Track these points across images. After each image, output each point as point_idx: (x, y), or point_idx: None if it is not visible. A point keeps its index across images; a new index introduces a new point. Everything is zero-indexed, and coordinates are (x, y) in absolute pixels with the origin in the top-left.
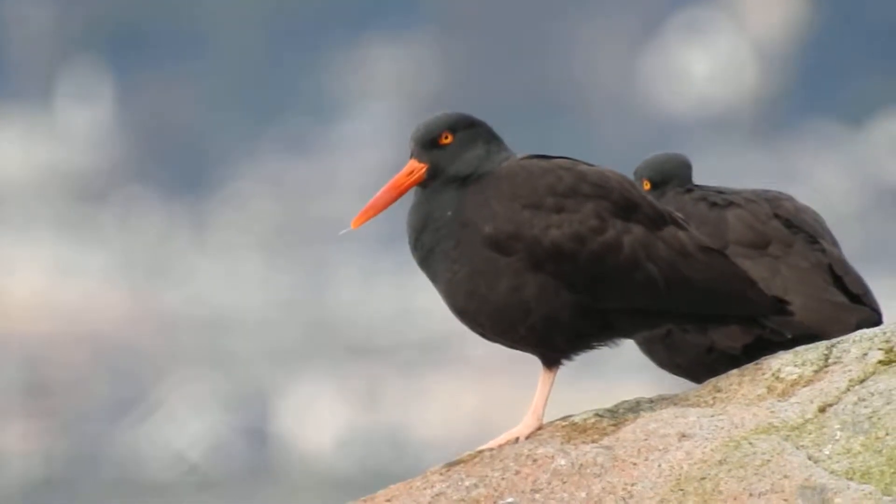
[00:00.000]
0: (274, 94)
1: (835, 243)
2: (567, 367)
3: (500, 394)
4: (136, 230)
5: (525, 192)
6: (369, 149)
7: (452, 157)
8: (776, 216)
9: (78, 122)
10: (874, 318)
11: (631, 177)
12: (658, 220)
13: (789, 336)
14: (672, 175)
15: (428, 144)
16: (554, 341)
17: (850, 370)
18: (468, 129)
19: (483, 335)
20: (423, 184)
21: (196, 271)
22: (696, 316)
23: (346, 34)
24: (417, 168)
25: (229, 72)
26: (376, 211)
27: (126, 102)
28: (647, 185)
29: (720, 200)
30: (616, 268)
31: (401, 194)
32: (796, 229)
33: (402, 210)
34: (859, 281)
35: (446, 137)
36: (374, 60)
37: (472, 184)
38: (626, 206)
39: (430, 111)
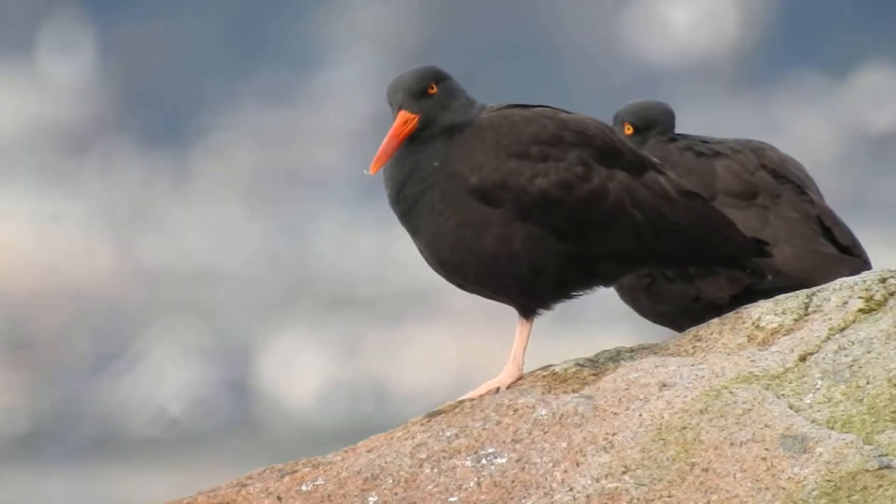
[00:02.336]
0: (255, 44)
1: (819, 194)
2: (547, 317)
3: (481, 345)
4: (117, 182)
5: (510, 141)
6: (351, 98)
7: (441, 107)
8: (762, 166)
9: (59, 74)
10: (865, 269)
11: (610, 123)
12: (639, 166)
13: (769, 278)
14: (655, 122)
15: (418, 94)
16: (539, 290)
17: (830, 319)
18: (446, 80)
19: (462, 286)
20: (413, 135)
21: (178, 223)
22: (679, 259)
23: None
24: (410, 118)
25: (211, 22)
26: (387, 157)
27: (108, 54)
28: (628, 130)
29: (707, 150)
30: (602, 214)
31: (400, 143)
32: (783, 179)
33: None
34: (848, 232)
35: (432, 88)
36: (354, 8)
37: (456, 135)
38: (608, 152)
39: (409, 61)
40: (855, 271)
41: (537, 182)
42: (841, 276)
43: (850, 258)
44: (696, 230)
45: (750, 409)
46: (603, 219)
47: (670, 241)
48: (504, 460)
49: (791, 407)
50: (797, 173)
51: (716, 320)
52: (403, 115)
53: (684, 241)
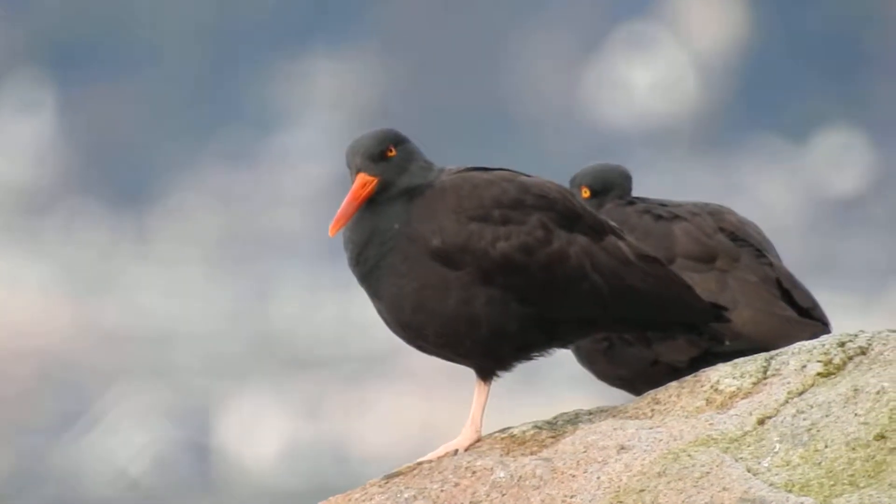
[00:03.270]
0: (216, 106)
1: (777, 257)
2: (506, 379)
3: (442, 407)
4: (78, 243)
5: (471, 204)
6: (312, 161)
7: (400, 170)
8: (721, 229)
9: (20, 135)
10: (825, 332)
11: (567, 186)
12: (599, 230)
13: (727, 343)
14: (612, 185)
15: (376, 157)
16: (500, 352)
17: (788, 382)
18: (404, 143)
19: (422, 349)
20: (372, 197)
21: (140, 284)
22: (638, 323)
23: (288, 46)
24: (369, 181)
25: (172, 83)
26: (346, 219)
27: (68, 115)
28: (585, 193)
29: (665, 213)
30: (564, 278)
31: (360, 206)
32: (742, 242)
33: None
34: (807, 295)
35: (391, 150)
36: (316, 73)
37: (417, 197)
38: (569, 216)
39: (369, 124)
40: (814, 334)
41: (498, 245)
42: (800, 339)
43: (810, 321)
44: (655, 295)
45: (708, 472)
46: (564, 282)
47: (629, 306)
48: None
49: (749, 470)
50: (756, 236)
51: (674, 383)
52: (362, 177)
53: (643, 305)
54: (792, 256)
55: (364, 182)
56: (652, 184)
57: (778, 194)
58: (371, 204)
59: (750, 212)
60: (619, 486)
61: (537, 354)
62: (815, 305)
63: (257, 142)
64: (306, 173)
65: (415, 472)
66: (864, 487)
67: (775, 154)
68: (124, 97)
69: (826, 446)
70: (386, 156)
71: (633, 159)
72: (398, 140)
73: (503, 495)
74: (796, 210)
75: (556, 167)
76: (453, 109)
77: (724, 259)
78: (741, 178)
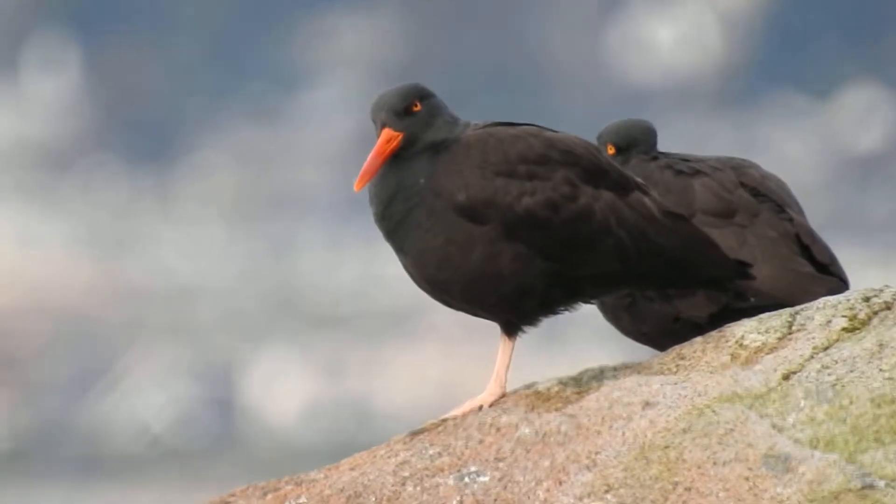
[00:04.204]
0: (239, 63)
1: (801, 212)
2: (531, 335)
3: (464, 363)
4: (99, 200)
5: (496, 159)
6: (333, 118)
7: (425, 125)
8: (742, 185)
9: (43, 91)
10: (842, 288)
11: (595, 143)
12: (625, 186)
13: (752, 300)
14: (637, 140)
15: (402, 112)
16: (524, 308)
17: (813, 337)
18: (430, 97)
19: (448, 304)
20: (397, 152)
21: (160, 241)
22: (663, 280)
23: (310, 3)
24: (394, 136)
25: (195, 41)
26: (371, 175)
27: (91, 72)
28: (611, 150)
29: (686, 168)
30: (588, 234)
31: (384, 161)
32: (763, 198)
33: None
34: (826, 250)
35: (416, 106)
36: (337, 30)
37: (442, 152)
38: (594, 172)
39: (392, 81)
40: (832, 290)
41: (524, 201)
42: (818, 296)
43: (828, 277)
44: (680, 251)
45: (733, 429)
46: (588, 239)
47: (654, 262)
48: (487, 479)
49: (774, 426)
50: (777, 191)
51: (699, 339)
52: (387, 132)
53: (668, 262)
54: (815, 212)
55: (389, 137)
56: (676, 139)
57: (801, 150)
58: (396, 159)
59: (772, 168)
60: (643, 443)
61: (562, 310)
62: (834, 261)
63: (278, 99)
64: (328, 130)
65: (439, 428)
66: (889, 444)
67: (798, 110)
68: (146, 56)
69: (851, 402)
70: (411, 111)
71: (657, 115)
72: (423, 95)
73: (528, 451)
74: (819, 166)
75: (581, 123)
76: (478, 66)
77: (743, 214)
78: (764, 134)
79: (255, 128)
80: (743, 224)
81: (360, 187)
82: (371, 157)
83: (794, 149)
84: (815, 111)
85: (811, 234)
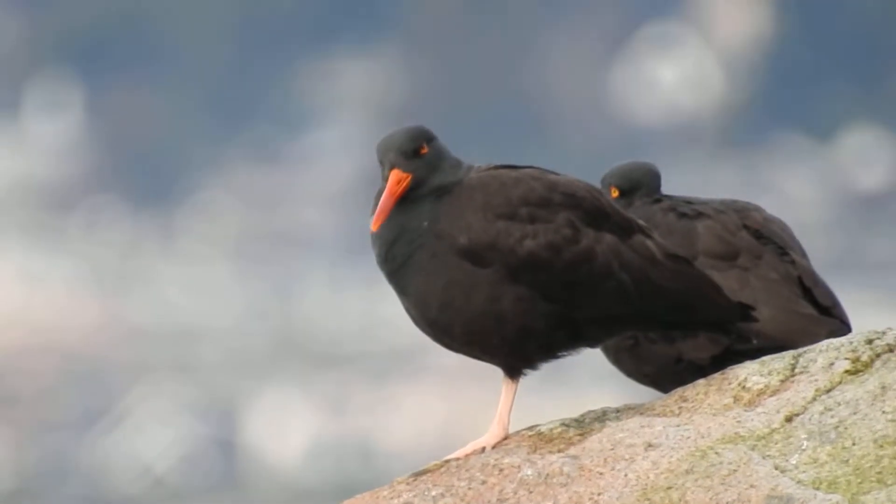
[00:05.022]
0: (242, 104)
1: (804, 254)
2: (533, 377)
3: (467, 404)
4: (104, 240)
5: (499, 202)
6: (336, 159)
7: (432, 168)
8: (745, 227)
9: (46, 133)
10: (844, 331)
11: (598, 185)
12: (627, 229)
13: (754, 342)
14: (640, 183)
15: (410, 154)
16: (526, 351)
17: (816, 380)
18: (435, 140)
19: (449, 346)
20: (403, 195)
21: (164, 281)
22: (665, 322)
23: (314, 45)
24: (403, 177)
25: (198, 82)
26: (385, 215)
27: (95, 113)
28: (614, 193)
29: (689, 211)
30: (590, 276)
31: (396, 201)
32: (765, 240)
33: (367, 223)
34: (828, 293)
35: (423, 148)
36: (341, 71)
37: (445, 195)
38: (596, 214)
39: (394, 123)
40: (834, 332)
41: (526, 244)
42: (820, 338)
43: (829, 319)
44: (683, 294)
45: (735, 470)
46: (591, 281)
47: (656, 305)
48: None
49: (777, 468)
50: (780, 234)
51: (702, 381)
52: (396, 173)
53: (670, 304)
54: (818, 253)
55: (399, 178)
56: (678, 180)
57: (804, 191)
58: (400, 201)
59: (775, 209)
60: (646, 484)
61: (564, 353)
62: (836, 304)
63: (281, 140)
64: (330, 171)
65: (442, 469)
66: (892, 485)
67: (801, 151)
68: (150, 96)
69: (854, 444)
70: (419, 153)
71: (659, 156)
72: (429, 137)
73: (530, 493)
74: (822, 207)
75: (584, 164)
76: (480, 108)
77: (746, 257)
78: (767, 175)
79: (258, 168)
80: (745, 266)
81: (377, 227)
82: (384, 198)
83: (796, 189)
84: (817, 152)
85: (813, 276)
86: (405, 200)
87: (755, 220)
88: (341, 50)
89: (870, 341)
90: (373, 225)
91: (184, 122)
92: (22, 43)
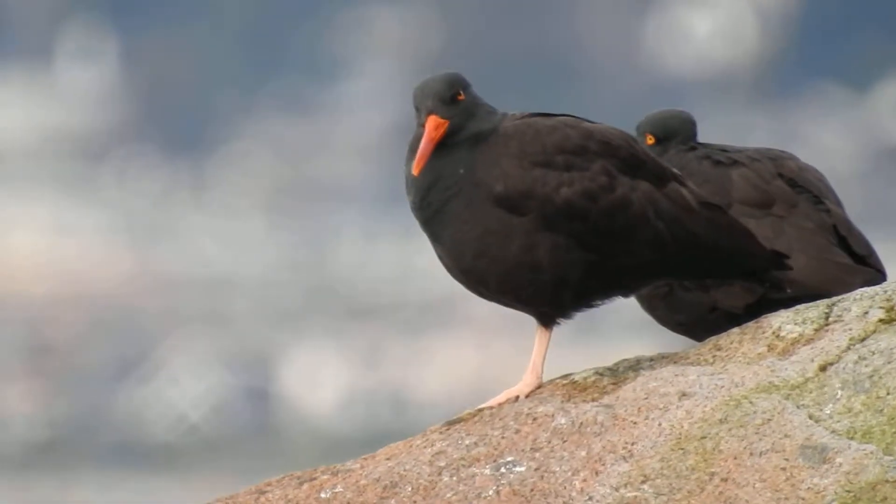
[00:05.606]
0: (275, 53)
1: (839, 203)
2: (567, 326)
3: (500, 353)
4: (136, 190)
5: (534, 150)
6: (368, 108)
7: (469, 114)
8: (780, 175)
9: (79, 82)
10: (879, 279)
11: (633, 133)
12: (662, 177)
13: (789, 291)
14: (676, 131)
15: (447, 100)
16: (561, 300)
17: (850, 329)
18: (470, 87)
19: (483, 295)
20: (441, 141)
21: (196, 231)
22: (699, 270)
23: None
24: (441, 123)
25: (230, 32)
26: (426, 159)
27: (127, 62)
28: (650, 140)
29: (724, 159)
30: (626, 224)
31: (434, 147)
32: (800, 189)
33: (401, 172)
34: (864, 241)
35: (460, 95)
36: (373, 20)
37: (481, 142)
38: (632, 162)
39: (426, 72)
40: (868, 281)
41: (562, 191)
42: (854, 286)
43: (865, 268)
44: (718, 242)
45: (769, 419)
46: (626, 229)
47: (692, 253)
48: (523, 469)
49: (811, 417)
50: (815, 183)
51: (736, 329)
52: (434, 119)
53: (705, 252)
54: (852, 203)
55: (437, 124)
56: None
57: (838, 142)
58: (436, 149)
59: (808, 159)
60: (680, 433)
61: (598, 302)
62: (872, 253)
63: (314, 90)
64: (363, 121)
65: (475, 418)
66: None
67: (835, 102)
68: (182, 46)
69: (888, 393)
70: (456, 99)
71: (693, 106)
72: (465, 84)
73: (564, 441)
74: (856, 158)
75: (617, 114)
76: (514, 56)
77: (780, 205)
78: (801, 126)
79: (290, 119)
80: (780, 215)
81: (418, 171)
82: (423, 143)
83: (831, 140)
84: (852, 102)
85: (848, 225)
86: (441, 147)
87: (790, 168)
88: None
89: None
90: (414, 168)
91: (215, 72)
92: None
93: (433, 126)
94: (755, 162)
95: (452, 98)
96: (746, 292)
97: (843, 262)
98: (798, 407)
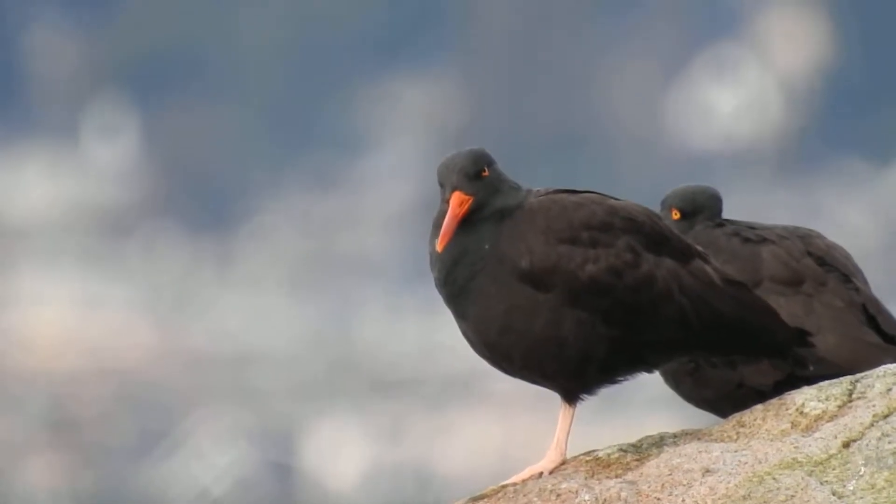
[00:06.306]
0: (300, 128)
1: (865, 282)
2: (590, 402)
3: (524, 429)
4: (161, 264)
5: (560, 226)
6: (394, 183)
7: (494, 190)
8: (809, 254)
9: (104, 157)
10: None
11: (657, 209)
12: (686, 254)
13: (811, 368)
14: (702, 207)
15: (473, 176)
16: (586, 375)
17: (874, 405)
18: (494, 164)
19: (507, 370)
20: (464, 217)
21: (222, 306)
22: (723, 347)
23: (372, 67)
24: (465, 199)
25: (255, 105)
26: (450, 236)
27: (152, 136)
28: (676, 215)
29: (753, 236)
30: (651, 301)
31: (458, 223)
32: (829, 267)
33: (425, 247)
34: (892, 320)
35: (485, 171)
36: (399, 94)
37: (506, 218)
38: (656, 239)
39: (455, 146)
40: None
41: (587, 268)
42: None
43: (894, 347)
44: (741, 319)
45: (793, 496)
46: (651, 305)
47: (715, 329)
48: None
49: (834, 493)
50: (843, 261)
51: (759, 406)
52: (458, 196)
53: (729, 329)
54: (874, 280)
55: (461, 200)
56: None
57: (860, 217)
58: (460, 225)
59: (832, 234)
60: None
61: (622, 378)
62: None
63: (339, 164)
64: (387, 195)
65: (499, 494)
66: None
67: (857, 177)
68: (207, 120)
69: None
70: (481, 175)
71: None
72: (489, 161)
73: None
74: (879, 233)
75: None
76: (538, 132)
77: (810, 283)
78: (824, 201)
79: (316, 192)
80: (810, 293)
81: (442, 248)
82: (448, 220)
83: (853, 215)
84: (874, 177)
85: (877, 304)
86: (465, 223)
87: (818, 246)
88: (400, 72)
89: None
90: (438, 245)
91: (240, 146)
92: (82, 66)
93: (457, 202)
94: (784, 240)
95: (477, 174)
96: (775, 369)
97: (873, 342)
98: (821, 483)
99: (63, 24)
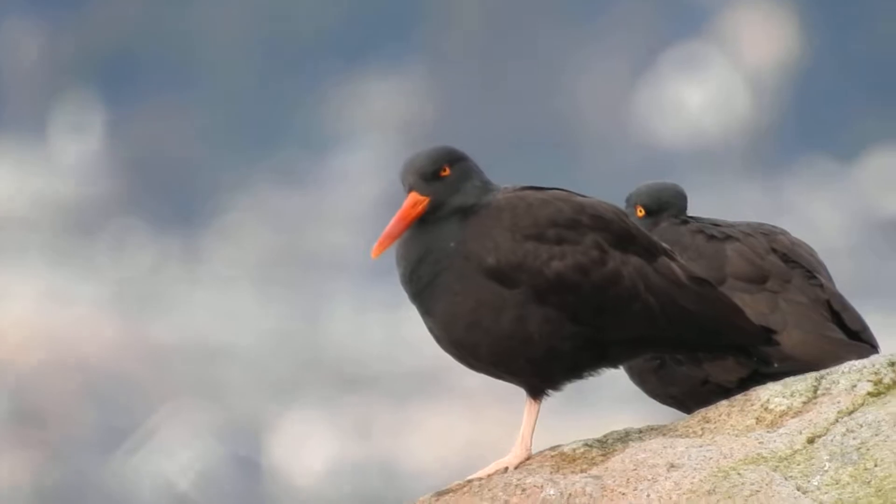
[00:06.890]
0: (267, 126)
1: (830, 278)
2: (556, 397)
3: (489, 424)
4: (128, 262)
5: (526, 223)
6: (362, 181)
7: (452, 190)
8: (773, 250)
9: (70, 153)
10: (872, 354)
11: (622, 205)
12: (652, 251)
13: (776, 365)
14: (667, 204)
15: (430, 177)
16: (551, 372)
17: (838, 401)
18: (461, 161)
19: (473, 366)
20: (424, 216)
21: (188, 303)
22: (689, 344)
23: (339, 66)
24: (420, 200)
25: (222, 103)
26: (392, 240)
27: (118, 133)
28: (640, 212)
29: (718, 233)
30: (617, 298)
31: (408, 226)
32: (793, 264)
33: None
34: (857, 317)
35: (445, 170)
36: (367, 93)
37: (472, 215)
38: (623, 237)
39: (422, 144)
40: (862, 357)
41: (554, 265)
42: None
43: (859, 344)
44: (706, 317)
45: (758, 491)
46: (617, 303)
47: (681, 327)
48: None
49: (799, 489)
50: (808, 258)
51: (724, 402)
52: (413, 196)
53: (694, 326)
54: (841, 277)
55: (415, 202)
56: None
57: (827, 215)
58: (424, 222)
59: (799, 232)
60: None
61: (588, 374)
62: (865, 328)
63: (308, 162)
64: (356, 193)
65: (465, 489)
66: None
67: (825, 174)
68: (174, 117)
69: (876, 465)
70: (439, 175)
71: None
72: (454, 158)
73: None
74: (845, 231)
75: (609, 187)
76: (506, 130)
77: (775, 280)
78: (791, 198)
79: (283, 190)
80: (775, 290)
81: (378, 254)
82: (394, 221)
83: (820, 212)
84: (842, 175)
85: (842, 300)
86: (429, 221)
87: (783, 243)
88: (369, 71)
89: (892, 364)
90: (373, 251)
91: (208, 143)
92: (49, 62)
93: (409, 204)
94: (748, 237)
95: (435, 174)
96: (740, 366)
97: (838, 338)
98: (786, 478)
99: (29, 20)
